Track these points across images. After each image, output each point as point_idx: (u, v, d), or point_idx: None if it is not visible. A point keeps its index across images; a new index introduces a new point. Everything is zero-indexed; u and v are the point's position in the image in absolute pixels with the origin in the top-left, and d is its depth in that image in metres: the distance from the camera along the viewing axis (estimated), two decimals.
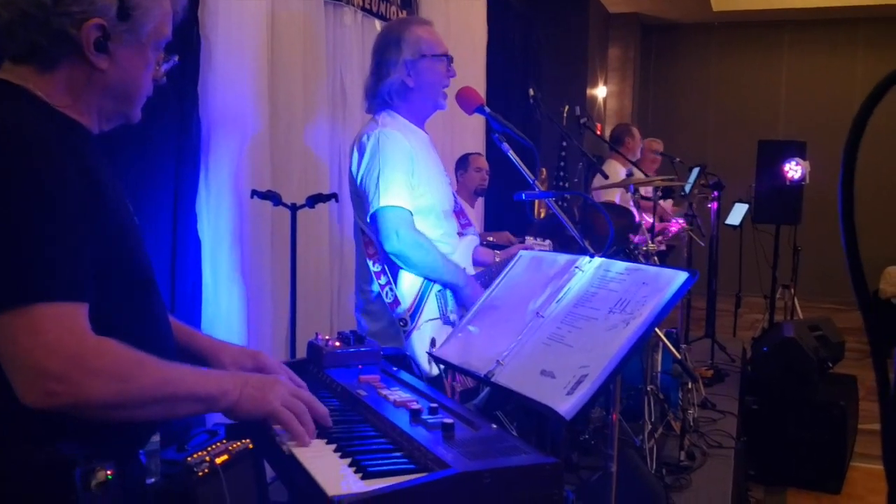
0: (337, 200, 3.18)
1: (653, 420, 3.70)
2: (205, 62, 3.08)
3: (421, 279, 2.38)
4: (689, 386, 4.13)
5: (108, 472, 1.15)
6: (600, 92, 11.05)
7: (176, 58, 1.38)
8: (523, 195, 2.05)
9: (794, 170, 6.68)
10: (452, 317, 2.43)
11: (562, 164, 7.36)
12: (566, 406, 1.22)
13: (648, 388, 3.63)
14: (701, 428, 4.31)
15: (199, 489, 1.67)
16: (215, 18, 3.09)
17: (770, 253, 7.07)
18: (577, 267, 1.52)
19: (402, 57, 2.40)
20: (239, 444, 1.77)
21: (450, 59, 2.47)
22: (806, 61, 11.88)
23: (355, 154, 2.38)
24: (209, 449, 1.78)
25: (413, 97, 2.43)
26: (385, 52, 2.43)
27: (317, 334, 1.72)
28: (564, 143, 7.72)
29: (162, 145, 2.86)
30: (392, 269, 2.38)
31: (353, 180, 2.42)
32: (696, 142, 11.13)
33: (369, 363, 1.66)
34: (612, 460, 1.64)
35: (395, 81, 2.41)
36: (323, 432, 1.27)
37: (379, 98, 2.46)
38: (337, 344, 1.66)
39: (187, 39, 3.01)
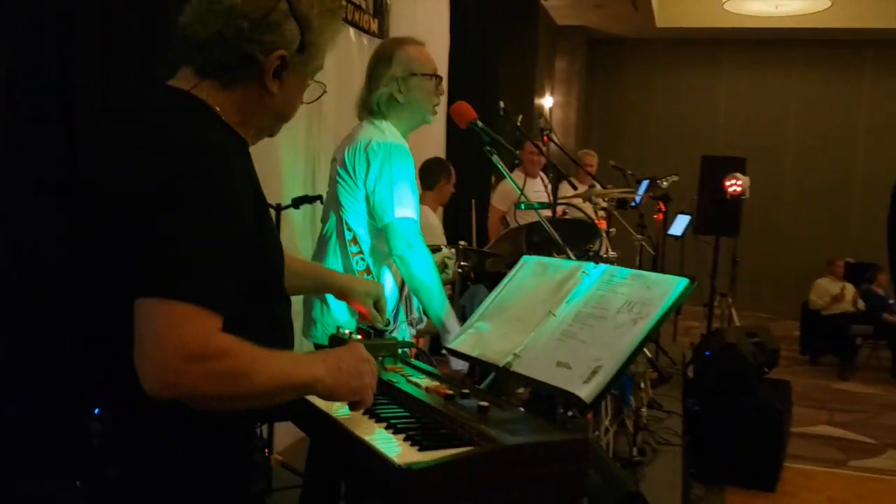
0: (322, 202, 3.31)
1: (608, 416, 3.93)
2: None
3: (396, 282, 2.55)
4: (642, 386, 4.38)
5: (266, 452, 1.29)
6: (547, 102, 11.34)
7: (325, 88, 1.52)
8: (523, 205, 2.23)
9: (735, 184, 7.02)
10: (415, 322, 2.63)
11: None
12: (585, 392, 1.40)
13: None
14: (650, 426, 4.57)
15: None
16: None
17: (710, 263, 7.41)
18: (583, 271, 1.71)
19: (392, 72, 2.55)
20: None
21: (439, 79, 2.63)
22: (744, 79, 12.41)
23: (361, 158, 2.49)
24: None
25: (401, 111, 2.58)
26: (377, 66, 2.58)
27: (338, 328, 1.86)
28: (516, 162, 7.97)
29: None
30: (376, 269, 2.53)
31: (350, 180, 2.52)
32: (639, 154, 11.49)
33: (388, 355, 1.82)
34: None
35: (384, 94, 2.56)
36: (372, 413, 1.43)
37: (369, 108, 2.60)
38: (359, 337, 1.81)
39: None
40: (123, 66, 2.84)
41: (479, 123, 2.55)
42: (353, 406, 1.38)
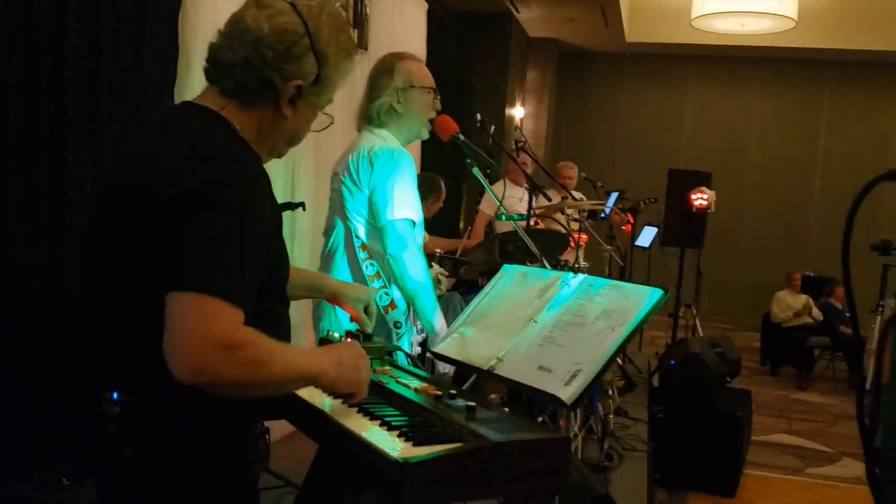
0: (304, 209, 3.38)
1: (577, 423, 4.03)
2: (183, 69, 3.26)
3: None
4: (610, 393, 4.50)
5: (267, 436, 1.40)
6: (518, 112, 11.49)
7: (333, 120, 1.68)
8: (503, 216, 2.33)
9: (700, 198, 7.20)
10: (420, 329, 2.71)
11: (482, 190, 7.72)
12: (566, 394, 1.50)
13: None
14: (616, 433, 4.69)
15: None
16: (195, 29, 3.27)
17: (675, 274, 7.59)
18: (563, 281, 1.81)
19: (393, 83, 2.65)
20: None
21: (436, 93, 2.73)
22: (709, 95, 12.69)
23: (364, 164, 2.58)
24: None
25: (399, 122, 2.68)
26: (379, 77, 2.68)
27: (327, 331, 1.95)
28: (488, 171, 8.08)
29: None
30: (385, 273, 2.61)
31: (355, 187, 2.61)
32: (607, 166, 11.69)
33: (375, 357, 1.90)
34: None
35: (384, 104, 2.66)
36: (366, 412, 1.51)
37: (368, 117, 2.70)
38: (349, 340, 1.90)
39: (169, 44, 3.19)
40: (114, 66, 2.91)
41: (461, 137, 2.65)
42: (349, 398, 1.51)
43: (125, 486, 1.42)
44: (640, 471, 4.44)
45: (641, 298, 1.62)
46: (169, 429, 1.38)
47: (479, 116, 3.96)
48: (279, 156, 1.66)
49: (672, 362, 5.90)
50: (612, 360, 1.55)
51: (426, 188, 4.99)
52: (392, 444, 1.33)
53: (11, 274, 2.57)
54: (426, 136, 2.77)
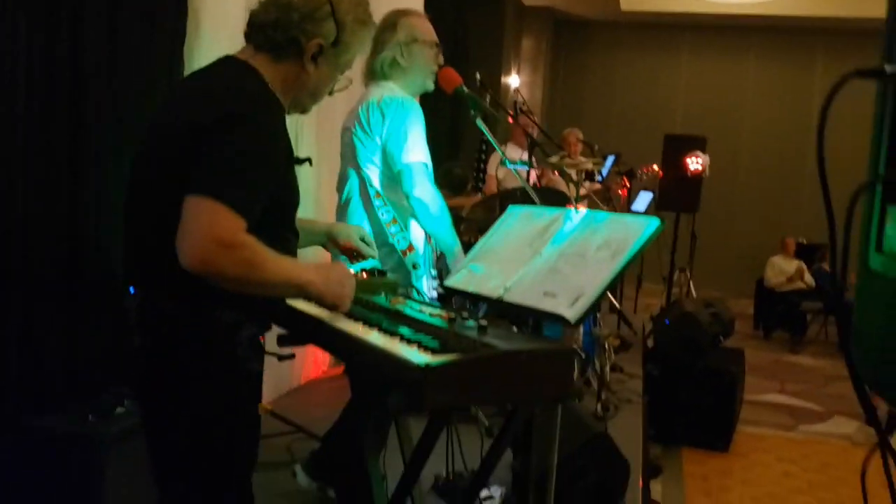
0: (311, 164, 3.48)
1: (575, 374, 4.17)
2: (192, 29, 3.35)
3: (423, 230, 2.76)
4: (606, 347, 4.64)
5: (261, 337, 1.65)
6: (513, 81, 11.54)
7: (351, 82, 1.94)
8: (506, 162, 2.46)
9: (696, 162, 7.31)
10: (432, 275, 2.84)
11: (483, 147, 7.80)
12: (570, 313, 1.62)
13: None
14: (612, 387, 4.83)
15: None
16: None
17: (670, 238, 7.71)
18: (566, 217, 1.93)
19: (397, 38, 2.75)
20: None
21: (439, 48, 2.83)
22: (703, 63, 12.75)
23: (375, 114, 2.68)
24: None
25: (404, 75, 2.78)
26: (383, 32, 2.78)
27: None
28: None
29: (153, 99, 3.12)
30: (403, 219, 2.73)
31: (367, 137, 2.72)
32: (602, 134, 11.77)
33: (389, 291, 2.02)
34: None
35: (388, 57, 2.76)
36: (386, 331, 1.63)
37: (373, 71, 2.80)
38: (364, 275, 2.01)
39: (178, 6, 3.28)
40: (128, 51, 3.02)
41: (466, 89, 2.75)
42: (332, 309, 1.75)
43: (139, 371, 1.68)
44: (635, 423, 4.58)
45: (640, 228, 1.74)
46: (174, 321, 1.61)
47: (478, 76, 4.04)
48: (302, 111, 1.90)
49: (667, 321, 6.03)
50: (613, 283, 1.67)
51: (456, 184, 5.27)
52: (413, 354, 1.45)
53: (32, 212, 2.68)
54: (431, 87, 2.86)
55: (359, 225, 2.74)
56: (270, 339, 1.85)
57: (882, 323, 0.92)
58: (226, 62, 1.79)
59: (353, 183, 2.79)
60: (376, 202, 2.71)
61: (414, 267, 2.65)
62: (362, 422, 2.05)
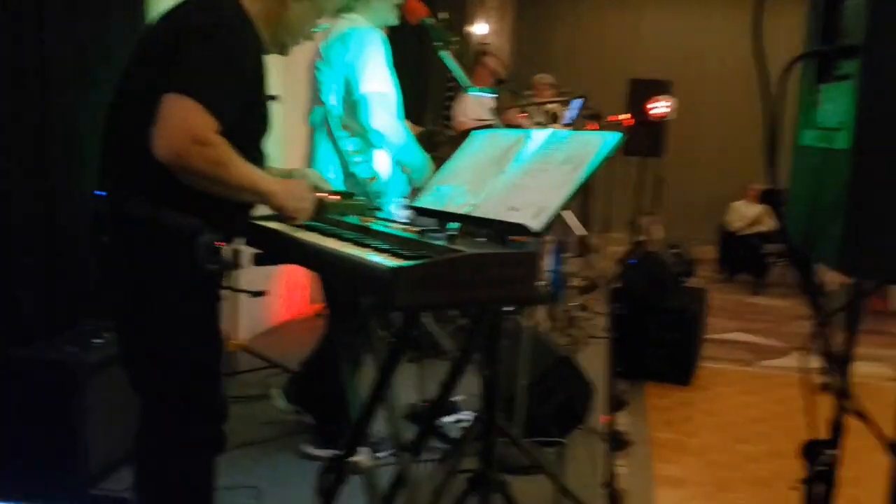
0: (278, 100, 3.50)
1: (543, 310, 4.29)
2: None
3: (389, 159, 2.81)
4: (575, 283, 4.76)
5: (220, 243, 1.65)
6: (479, 30, 11.48)
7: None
8: (472, 88, 2.51)
9: (659, 106, 7.39)
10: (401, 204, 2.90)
11: (449, 94, 7.82)
12: (535, 223, 1.70)
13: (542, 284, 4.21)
14: (580, 324, 4.97)
15: None
16: None
17: (635, 182, 7.84)
18: (529, 137, 1.99)
19: None
20: None
21: None
22: (668, 9, 12.82)
23: (336, 45, 2.72)
24: None
25: (369, 5, 2.80)
26: None
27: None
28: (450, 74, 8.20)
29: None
30: (367, 148, 2.78)
31: (329, 69, 2.75)
32: (569, 80, 11.79)
33: (358, 213, 2.08)
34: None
35: None
36: (357, 242, 1.70)
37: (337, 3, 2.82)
38: (334, 197, 2.07)
39: None
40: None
41: (431, 20, 2.79)
42: (291, 220, 1.86)
43: (104, 267, 1.79)
44: (601, 359, 4.72)
45: (600, 142, 1.81)
46: (139, 221, 1.70)
47: (447, 16, 4.06)
48: (281, 50, 1.97)
49: (632, 261, 6.17)
50: (574, 193, 1.75)
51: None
52: (385, 260, 1.52)
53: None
54: (395, 20, 2.90)
55: (325, 158, 2.79)
56: (242, 279, 1.92)
57: (811, 186, 1.01)
58: None
59: (316, 115, 2.83)
60: (340, 133, 2.76)
61: (379, 195, 2.71)
62: (339, 335, 2.12)
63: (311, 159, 2.92)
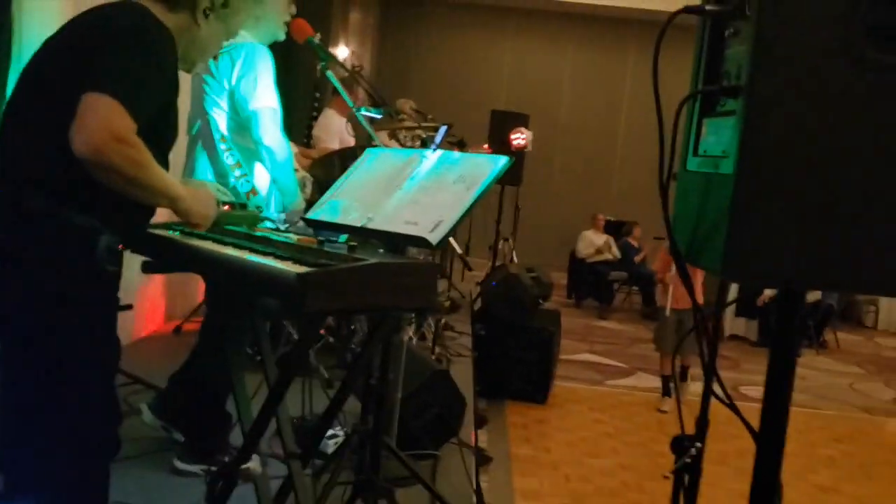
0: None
1: (412, 328, 4.38)
2: None
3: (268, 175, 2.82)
4: (441, 301, 4.89)
5: (120, 245, 1.69)
6: (341, 52, 11.57)
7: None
8: (364, 108, 2.57)
9: (519, 137, 7.72)
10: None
11: (314, 113, 7.84)
12: (432, 237, 1.79)
13: None
14: (445, 342, 5.10)
15: None
16: None
17: (495, 210, 8.12)
18: (422, 156, 2.09)
19: None
20: None
21: None
22: (527, 47, 13.37)
23: (224, 60, 2.71)
24: None
25: (256, 22, 2.82)
26: None
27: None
28: (318, 94, 8.25)
29: None
30: (247, 162, 2.77)
31: (215, 82, 2.74)
32: (430, 108, 12.05)
33: (251, 223, 2.10)
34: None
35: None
36: (256, 250, 1.72)
37: None
38: (227, 207, 2.08)
39: None
40: None
41: (316, 40, 2.84)
42: (195, 227, 1.89)
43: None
44: (466, 375, 4.86)
45: (491, 164, 1.93)
46: (38, 219, 1.67)
47: (318, 37, 4.11)
48: (188, 68, 1.99)
49: (493, 283, 6.39)
50: (468, 211, 1.85)
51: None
52: (289, 268, 1.56)
53: None
54: (282, 37, 2.93)
55: (203, 170, 2.78)
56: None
57: (696, 204, 1.16)
58: (123, 4, 1.86)
59: (197, 127, 2.82)
60: (221, 146, 2.76)
61: (258, 209, 2.73)
62: (228, 344, 2.12)
63: (188, 170, 2.89)
